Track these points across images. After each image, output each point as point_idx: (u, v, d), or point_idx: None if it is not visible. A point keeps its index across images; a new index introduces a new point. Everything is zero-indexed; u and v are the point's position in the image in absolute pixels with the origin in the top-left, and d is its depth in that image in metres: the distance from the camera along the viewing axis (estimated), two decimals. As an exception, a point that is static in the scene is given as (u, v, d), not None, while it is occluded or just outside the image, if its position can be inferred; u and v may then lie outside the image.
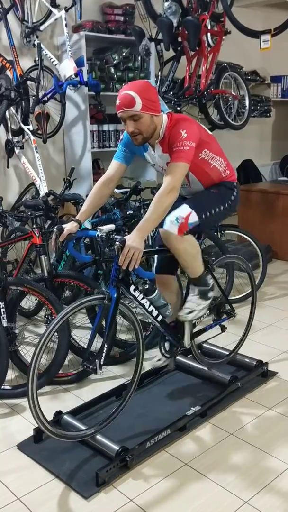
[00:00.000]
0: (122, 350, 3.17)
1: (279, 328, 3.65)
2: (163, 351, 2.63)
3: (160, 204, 2.19)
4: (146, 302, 2.40)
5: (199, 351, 3.13)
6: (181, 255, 2.41)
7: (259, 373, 2.93)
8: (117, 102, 2.24)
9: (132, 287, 2.32)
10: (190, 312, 2.54)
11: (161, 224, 2.34)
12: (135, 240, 2.13)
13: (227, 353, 3.02)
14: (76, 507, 2.04)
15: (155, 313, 2.45)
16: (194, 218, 2.36)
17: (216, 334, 2.87)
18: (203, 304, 2.56)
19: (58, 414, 2.47)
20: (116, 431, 2.43)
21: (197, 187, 2.52)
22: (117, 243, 2.13)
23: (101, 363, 2.25)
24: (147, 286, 2.41)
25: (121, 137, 2.48)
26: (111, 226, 2.27)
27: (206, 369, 2.88)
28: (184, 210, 2.35)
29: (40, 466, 2.26)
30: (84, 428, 2.34)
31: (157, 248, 2.62)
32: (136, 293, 2.35)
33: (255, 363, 2.95)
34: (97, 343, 2.33)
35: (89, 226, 3.46)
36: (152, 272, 2.38)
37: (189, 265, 2.48)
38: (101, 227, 2.24)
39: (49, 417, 2.40)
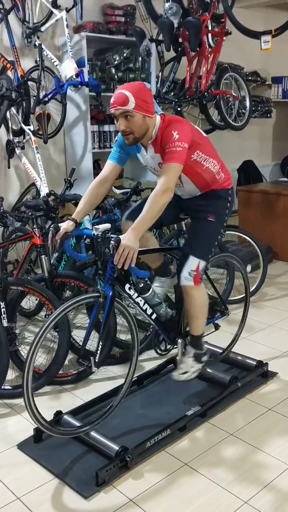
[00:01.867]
0: (123, 350, 3.17)
1: (279, 329, 3.66)
2: (157, 348, 2.65)
3: (155, 204, 2.21)
4: (140, 300, 2.43)
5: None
6: (194, 305, 2.53)
7: (259, 373, 2.93)
8: (111, 100, 2.26)
9: (127, 286, 2.35)
10: (184, 373, 2.62)
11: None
12: (130, 239, 2.15)
13: (221, 351, 3.04)
14: (75, 507, 2.04)
15: (149, 311, 2.48)
16: (202, 264, 2.49)
17: (210, 332, 2.87)
18: (196, 367, 2.63)
19: (58, 414, 2.47)
20: (116, 431, 2.43)
21: (190, 187, 2.53)
22: (112, 242, 2.16)
23: (96, 360, 2.26)
24: (141, 285, 2.43)
25: (116, 138, 2.49)
26: (107, 225, 2.30)
27: (207, 369, 2.88)
28: (193, 263, 2.46)
29: (40, 466, 2.26)
30: (79, 425, 2.35)
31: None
32: (131, 292, 2.38)
33: (255, 363, 2.95)
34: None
35: (90, 227, 3.47)
36: (147, 271, 2.40)
37: (195, 317, 2.57)
38: (97, 226, 2.27)
39: (49, 417, 2.41)
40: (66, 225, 2.39)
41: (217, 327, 2.87)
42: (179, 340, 2.63)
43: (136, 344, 2.45)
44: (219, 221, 2.55)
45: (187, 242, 2.67)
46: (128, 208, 3.76)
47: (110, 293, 2.27)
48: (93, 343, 2.41)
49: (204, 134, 2.52)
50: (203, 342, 2.65)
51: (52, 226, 2.39)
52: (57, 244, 3.26)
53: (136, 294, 2.40)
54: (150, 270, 2.74)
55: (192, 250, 2.50)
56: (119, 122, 2.27)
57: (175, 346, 2.68)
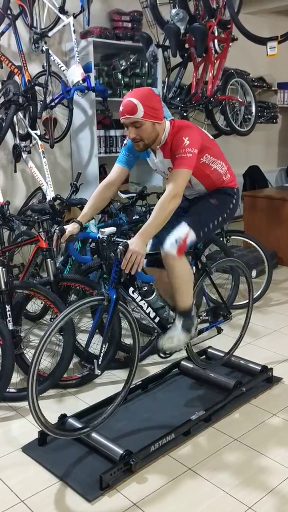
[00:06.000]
0: (127, 354, 3.17)
1: (284, 334, 3.65)
2: (159, 352, 2.65)
3: (163, 210, 2.22)
4: (144, 304, 2.43)
5: (204, 356, 3.16)
6: (176, 277, 2.43)
7: (264, 378, 2.92)
8: (120, 108, 2.28)
9: (131, 289, 2.36)
10: (170, 339, 2.51)
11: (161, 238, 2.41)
12: (137, 244, 2.17)
13: (223, 355, 3.04)
14: (79, 510, 2.04)
15: (152, 314, 2.48)
16: (192, 237, 2.41)
17: (213, 336, 2.88)
18: (184, 337, 2.53)
19: (63, 417, 2.48)
20: (120, 434, 2.44)
21: (199, 188, 2.56)
22: (120, 247, 2.16)
23: (99, 363, 2.27)
24: (145, 288, 2.44)
25: (125, 142, 2.51)
26: (112, 229, 2.31)
27: (211, 374, 2.88)
28: (183, 230, 2.39)
29: (44, 469, 2.26)
30: (80, 426, 2.36)
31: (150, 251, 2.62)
32: (135, 295, 2.38)
33: (260, 368, 2.95)
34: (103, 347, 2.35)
35: (95, 231, 3.48)
36: (152, 276, 2.40)
37: (180, 290, 2.47)
38: (102, 230, 2.29)
39: (54, 420, 2.41)
40: (71, 228, 2.40)
41: (219, 330, 2.88)
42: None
43: (137, 348, 2.45)
44: (220, 208, 2.54)
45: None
46: (133, 214, 3.79)
47: (114, 296, 2.28)
48: (98, 347, 2.41)
49: (212, 137, 2.55)
50: (193, 316, 2.56)
51: (57, 228, 2.40)
52: (62, 247, 3.28)
53: (139, 298, 2.41)
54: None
55: (185, 218, 2.45)
56: (129, 130, 2.30)
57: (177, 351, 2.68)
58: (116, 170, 2.51)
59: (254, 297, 3.56)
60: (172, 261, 2.39)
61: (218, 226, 2.59)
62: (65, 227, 2.40)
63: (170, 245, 2.37)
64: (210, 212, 2.53)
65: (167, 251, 2.37)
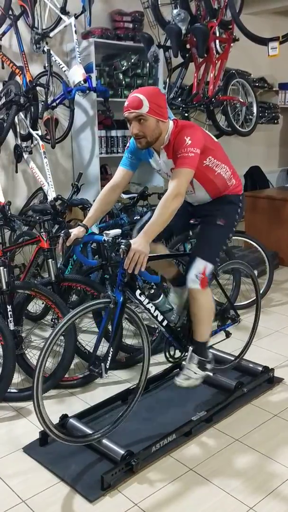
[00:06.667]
0: (128, 354, 3.17)
1: (285, 335, 3.65)
2: (168, 356, 2.64)
3: (166, 209, 2.21)
4: (151, 306, 2.41)
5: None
6: (199, 308, 2.50)
7: (265, 379, 2.92)
8: (125, 104, 2.27)
9: (138, 292, 2.34)
10: (187, 379, 2.57)
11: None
12: (140, 244, 2.15)
13: (233, 358, 3.02)
14: (81, 510, 2.04)
15: (160, 318, 2.46)
16: (209, 268, 2.47)
17: (221, 340, 2.87)
18: (200, 374, 2.58)
19: (64, 417, 2.48)
20: (121, 435, 2.43)
21: (201, 194, 2.53)
22: (122, 246, 2.15)
23: (107, 367, 2.26)
24: (152, 291, 2.43)
25: (127, 144, 2.50)
26: (117, 231, 2.29)
27: (211, 374, 2.87)
28: (200, 265, 2.44)
29: (45, 469, 2.27)
30: (90, 432, 2.35)
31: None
32: (142, 298, 2.36)
33: (261, 369, 2.94)
34: (103, 347, 2.34)
35: (96, 231, 3.48)
36: (158, 276, 2.39)
37: (200, 322, 2.54)
38: (107, 232, 2.27)
39: (55, 420, 2.41)
40: (77, 231, 2.38)
41: (228, 334, 2.85)
42: (190, 348, 2.61)
43: (147, 350, 2.43)
44: (228, 226, 2.54)
45: (195, 245, 2.65)
46: (134, 214, 3.79)
47: (121, 299, 2.26)
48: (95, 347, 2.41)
49: (216, 140, 2.52)
50: (208, 350, 2.62)
51: (63, 232, 2.37)
52: (66, 250, 3.28)
53: (147, 300, 2.38)
54: (166, 282, 2.73)
55: (199, 253, 2.48)
56: (132, 125, 2.27)
57: (187, 354, 2.67)
58: (120, 173, 2.50)
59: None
60: (197, 295, 2.47)
61: (229, 242, 2.61)
62: (70, 230, 2.39)
63: (192, 281, 2.44)
64: (220, 236, 2.54)
65: (192, 288, 2.45)
